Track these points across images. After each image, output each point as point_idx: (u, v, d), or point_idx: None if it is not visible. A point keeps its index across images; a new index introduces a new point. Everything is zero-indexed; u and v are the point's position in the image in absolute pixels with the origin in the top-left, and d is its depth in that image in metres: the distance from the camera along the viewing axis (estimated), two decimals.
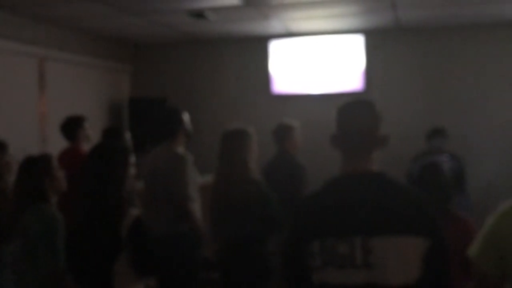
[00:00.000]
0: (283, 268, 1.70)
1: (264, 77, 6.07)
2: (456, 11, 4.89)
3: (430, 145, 4.96)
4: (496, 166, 5.40)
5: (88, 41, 5.74)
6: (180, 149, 3.36)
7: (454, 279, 2.19)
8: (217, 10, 4.66)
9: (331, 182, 1.67)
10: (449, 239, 2.25)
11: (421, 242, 1.54)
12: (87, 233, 2.21)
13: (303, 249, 1.61)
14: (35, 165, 2.69)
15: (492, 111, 5.57)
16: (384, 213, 1.56)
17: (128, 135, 4.19)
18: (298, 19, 5.17)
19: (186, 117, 3.44)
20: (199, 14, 4.79)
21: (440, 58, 5.69)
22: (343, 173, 1.67)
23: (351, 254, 1.54)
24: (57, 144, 4.32)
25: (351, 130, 1.66)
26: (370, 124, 1.66)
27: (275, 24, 5.38)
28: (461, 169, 4.90)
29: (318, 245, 1.58)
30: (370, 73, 5.75)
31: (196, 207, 3.22)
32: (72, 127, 4.13)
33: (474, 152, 5.43)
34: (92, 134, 4.23)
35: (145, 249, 2.24)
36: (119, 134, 4.12)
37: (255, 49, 6.11)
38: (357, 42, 5.69)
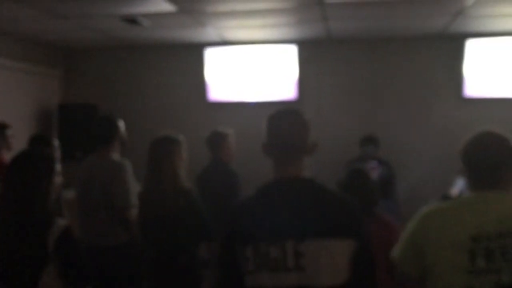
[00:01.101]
0: (218, 273, 1.73)
1: (199, 85, 6.06)
2: (385, 24, 5.10)
3: (362, 152, 5.15)
4: (424, 172, 5.65)
5: (15, 44, 5.51)
6: (116, 157, 3.30)
7: (380, 280, 2.28)
8: (151, 16, 4.62)
9: (263, 188, 1.72)
10: (375, 242, 2.35)
11: (349, 244, 1.62)
12: (13, 244, 2.13)
13: (237, 253, 1.64)
14: None
15: (420, 119, 5.82)
16: (314, 217, 1.62)
17: (56, 143, 4.06)
18: (233, 28, 5.22)
19: (121, 124, 3.38)
20: (132, 20, 4.72)
21: (370, 69, 5.90)
22: (275, 179, 1.73)
23: (283, 258, 1.59)
24: None
25: (281, 138, 1.73)
26: (299, 132, 1.73)
27: (210, 32, 5.40)
28: (390, 174, 5.11)
29: (251, 250, 1.62)
30: (303, 82, 5.87)
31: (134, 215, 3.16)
32: None
33: (403, 159, 5.65)
34: (16, 142, 4.06)
35: (73, 260, 2.17)
36: (47, 141, 3.98)
37: (191, 56, 6.09)
38: (290, 52, 5.80)
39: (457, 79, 5.63)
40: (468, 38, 5.48)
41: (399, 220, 3.24)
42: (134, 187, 3.22)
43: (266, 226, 1.62)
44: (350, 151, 5.26)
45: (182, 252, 2.85)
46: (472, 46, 5.49)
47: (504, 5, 4.38)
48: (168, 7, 4.30)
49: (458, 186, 4.58)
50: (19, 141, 4.10)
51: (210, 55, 5.96)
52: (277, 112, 1.77)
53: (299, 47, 5.79)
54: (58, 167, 2.27)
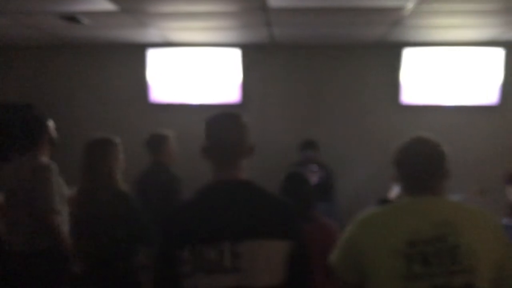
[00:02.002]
0: (154, 277, 1.71)
1: (141, 86, 5.96)
2: (327, 31, 5.20)
3: (302, 156, 5.23)
4: (363, 176, 5.79)
5: None
6: (45, 159, 3.17)
7: (319, 283, 2.31)
8: (91, 14, 4.50)
9: (202, 191, 1.73)
10: (314, 245, 2.37)
11: (285, 245, 1.64)
12: None
13: (174, 256, 1.63)
14: None
15: (359, 124, 5.97)
16: (251, 218, 1.64)
17: None
18: (176, 29, 5.16)
19: (51, 124, 3.26)
20: (71, 18, 4.57)
21: (312, 74, 6.00)
22: (213, 182, 1.74)
23: (220, 259, 1.60)
24: None
25: (219, 141, 1.74)
26: (237, 135, 1.75)
27: (152, 33, 5.32)
28: (330, 178, 5.21)
29: (188, 252, 1.61)
30: (246, 86, 5.89)
31: (63, 221, 3.04)
32: None
33: (343, 163, 5.78)
34: None
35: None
36: None
37: (132, 56, 5.97)
38: (234, 56, 5.81)
39: (394, 87, 5.81)
40: (405, 47, 5.67)
41: (338, 224, 3.30)
42: (62, 191, 3.11)
43: (203, 228, 1.63)
44: (292, 155, 5.33)
45: (120, 257, 2.78)
46: (408, 55, 5.69)
47: (439, 16, 4.57)
48: (109, 6, 4.20)
49: (395, 190, 4.72)
50: None
51: (153, 56, 5.87)
52: (215, 115, 1.79)
53: (243, 51, 5.81)
54: None
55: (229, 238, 1.61)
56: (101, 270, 2.79)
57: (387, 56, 5.81)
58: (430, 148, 1.80)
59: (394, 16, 4.55)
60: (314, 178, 4.93)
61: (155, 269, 1.71)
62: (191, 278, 1.61)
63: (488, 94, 5.70)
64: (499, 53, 5.60)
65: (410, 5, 4.15)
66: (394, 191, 4.74)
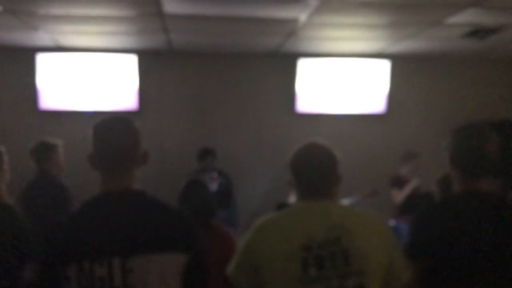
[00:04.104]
0: None
1: (29, 92, 5.61)
2: (224, 39, 5.24)
3: (201, 164, 5.21)
4: (261, 183, 5.89)
5: None
6: None
7: None
8: None
9: (89, 203, 1.62)
10: (213, 253, 2.34)
11: (180, 258, 1.58)
12: None
13: (58, 274, 1.52)
14: None
15: (256, 132, 6.07)
16: (142, 231, 1.55)
17: None
18: (68, 33, 4.93)
19: None
20: None
21: (210, 82, 6.01)
22: (102, 193, 1.62)
23: (109, 276, 1.50)
24: None
25: (108, 148, 1.62)
26: (128, 141, 1.63)
27: (42, 36, 5.03)
28: (229, 185, 5.25)
29: (75, 269, 1.50)
30: (144, 93, 5.76)
31: None
32: None
33: (241, 170, 5.83)
34: None
35: None
36: None
37: (20, 61, 5.61)
38: (131, 62, 5.66)
39: (290, 96, 5.99)
40: (300, 57, 5.87)
41: (237, 231, 3.31)
42: None
43: (91, 243, 1.52)
44: (191, 162, 5.28)
45: (3, 274, 2.58)
46: (303, 65, 5.89)
47: (330, 29, 4.79)
48: None
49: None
50: None
51: (43, 60, 5.55)
52: (103, 120, 1.66)
53: (139, 57, 5.68)
54: None
55: (118, 253, 1.51)
56: None
57: (283, 66, 5.97)
58: (322, 153, 1.82)
59: (288, 27, 4.69)
60: (214, 185, 4.93)
61: None
62: None
63: (376, 103, 6.06)
64: (386, 65, 5.98)
65: (303, 17, 4.31)
66: (294, 196, 4.88)
